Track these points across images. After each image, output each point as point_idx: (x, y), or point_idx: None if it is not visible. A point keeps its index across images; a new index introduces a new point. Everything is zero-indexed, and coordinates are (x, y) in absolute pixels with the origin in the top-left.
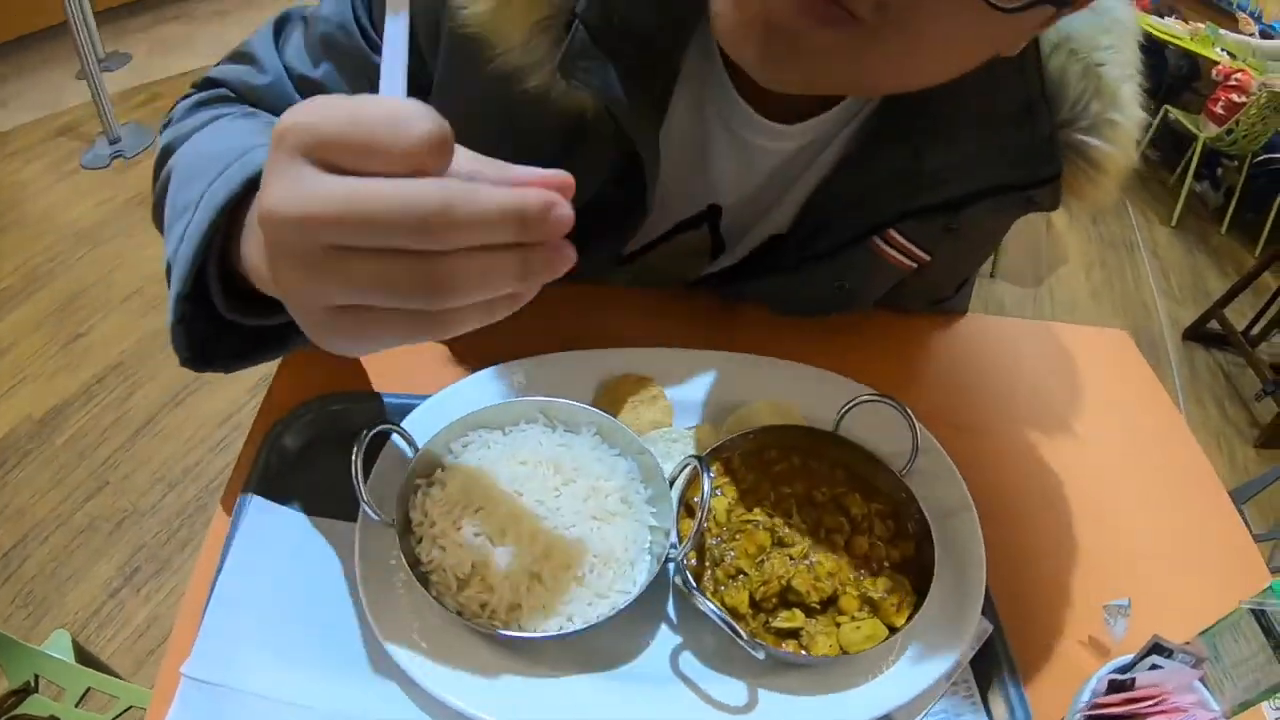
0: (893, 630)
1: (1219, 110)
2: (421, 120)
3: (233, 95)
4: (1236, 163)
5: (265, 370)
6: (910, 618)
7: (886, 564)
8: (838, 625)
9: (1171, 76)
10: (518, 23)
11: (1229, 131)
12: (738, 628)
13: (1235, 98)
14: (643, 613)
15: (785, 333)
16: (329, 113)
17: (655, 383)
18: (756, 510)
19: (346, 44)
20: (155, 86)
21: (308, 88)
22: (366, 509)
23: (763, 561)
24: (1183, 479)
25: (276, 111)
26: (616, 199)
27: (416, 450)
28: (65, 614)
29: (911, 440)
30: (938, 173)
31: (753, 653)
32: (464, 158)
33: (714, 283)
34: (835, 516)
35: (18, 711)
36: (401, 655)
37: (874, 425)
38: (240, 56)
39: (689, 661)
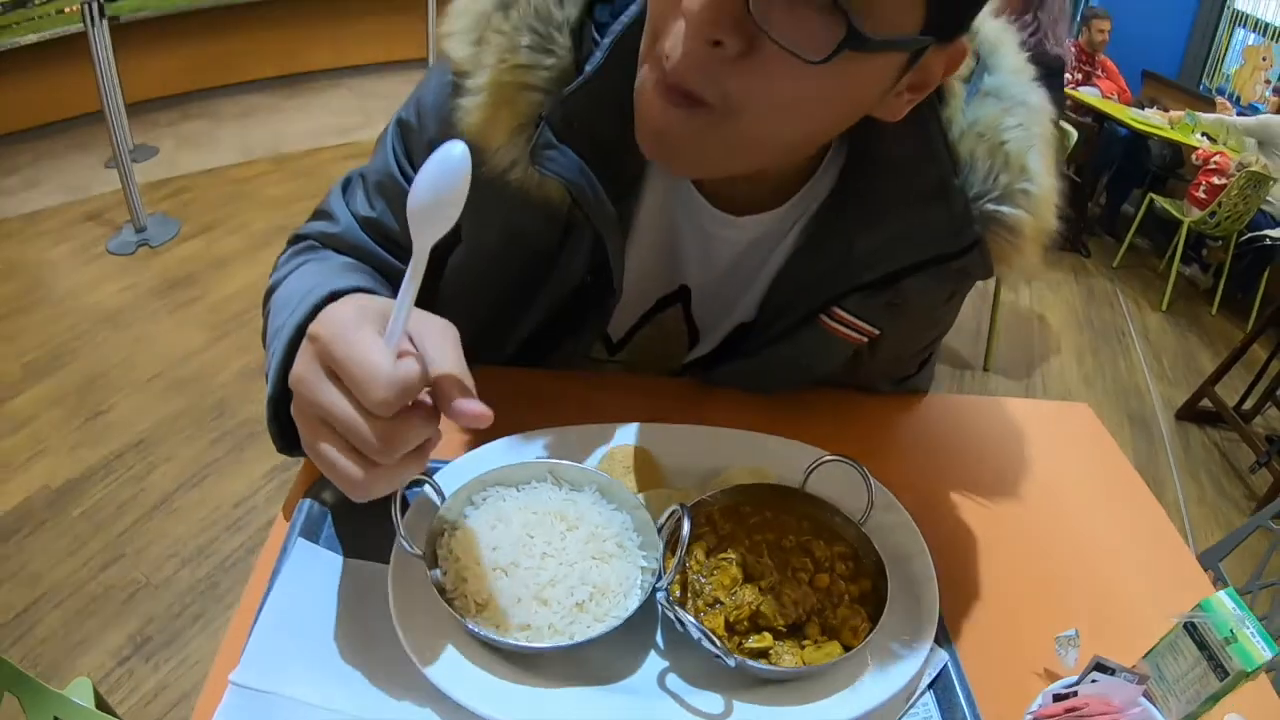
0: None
1: (1200, 195)
2: (381, 389)
3: (317, 244)
4: (1222, 242)
5: (280, 460)
6: (865, 639)
7: (846, 596)
8: (802, 647)
9: (1156, 166)
10: (501, 128)
11: (1212, 214)
12: (712, 636)
13: (1215, 180)
14: (634, 636)
15: (759, 409)
16: (338, 344)
17: (649, 451)
18: (731, 552)
19: (393, 187)
20: (181, 180)
21: (370, 226)
22: (402, 542)
23: (735, 592)
24: (1137, 525)
25: (352, 249)
26: (596, 285)
27: (444, 499)
28: (74, 678)
29: (867, 495)
30: (871, 254)
31: (726, 660)
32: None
33: (694, 369)
34: (801, 558)
35: None
36: (428, 667)
37: (836, 484)
38: (319, 214)
39: (673, 678)
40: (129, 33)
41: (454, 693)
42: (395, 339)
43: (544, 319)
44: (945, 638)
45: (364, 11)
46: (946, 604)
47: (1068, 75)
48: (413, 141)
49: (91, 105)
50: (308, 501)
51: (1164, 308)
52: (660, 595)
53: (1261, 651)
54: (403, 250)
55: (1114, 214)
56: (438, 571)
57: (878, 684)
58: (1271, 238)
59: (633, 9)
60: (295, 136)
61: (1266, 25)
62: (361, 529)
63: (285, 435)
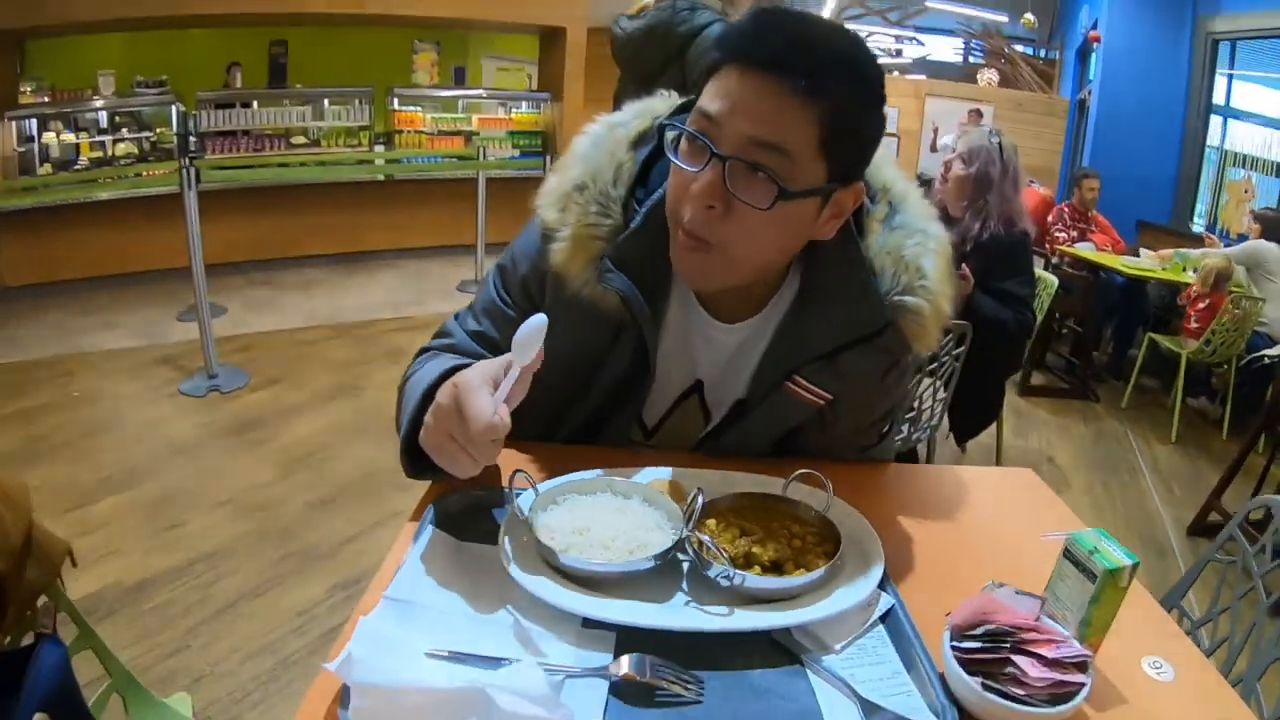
0: None
1: (1193, 325)
2: (483, 429)
3: (439, 351)
4: (1226, 367)
5: (342, 578)
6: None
7: (813, 550)
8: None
9: (1155, 308)
10: (578, 262)
11: (1208, 342)
12: (719, 548)
13: (1201, 304)
14: (666, 574)
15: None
16: (465, 393)
17: (679, 482)
18: (734, 524)
19: (495, 310)
20: (249, 337)
21: (478, 337)
22: (513, 506)
23: (736, 543)
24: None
25: (465, 353)
26: (636, 373)
27: (538, 493)
28: None
29: (828, 495)
30: (819, 338)
31: (730, 576)
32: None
33: (706, 442)
34: (782, 529)
35: None
36: (526, 581)
37: (806, 495)
38: (438, 335)
39: (692, 598)
40: (204, 200)
41: (545, 596)
42: (499, 401)
43: (597, 403)
44: (891, 589)
45: (420, 200)
46: (892, 568)
47: (1063, 234)
48: (508, 278)
49: (166, 262)
50: (432, 508)
51: (1173, 440)
52: (686, 532)
53: (1119, 557)
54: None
55: (1120, 359)
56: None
57: (834, 605)
58: (1270, 356)
59: (657, 193)
60: (354, 309)
61: (1245, 157)
62: (470, 525)
63: (414, 464)
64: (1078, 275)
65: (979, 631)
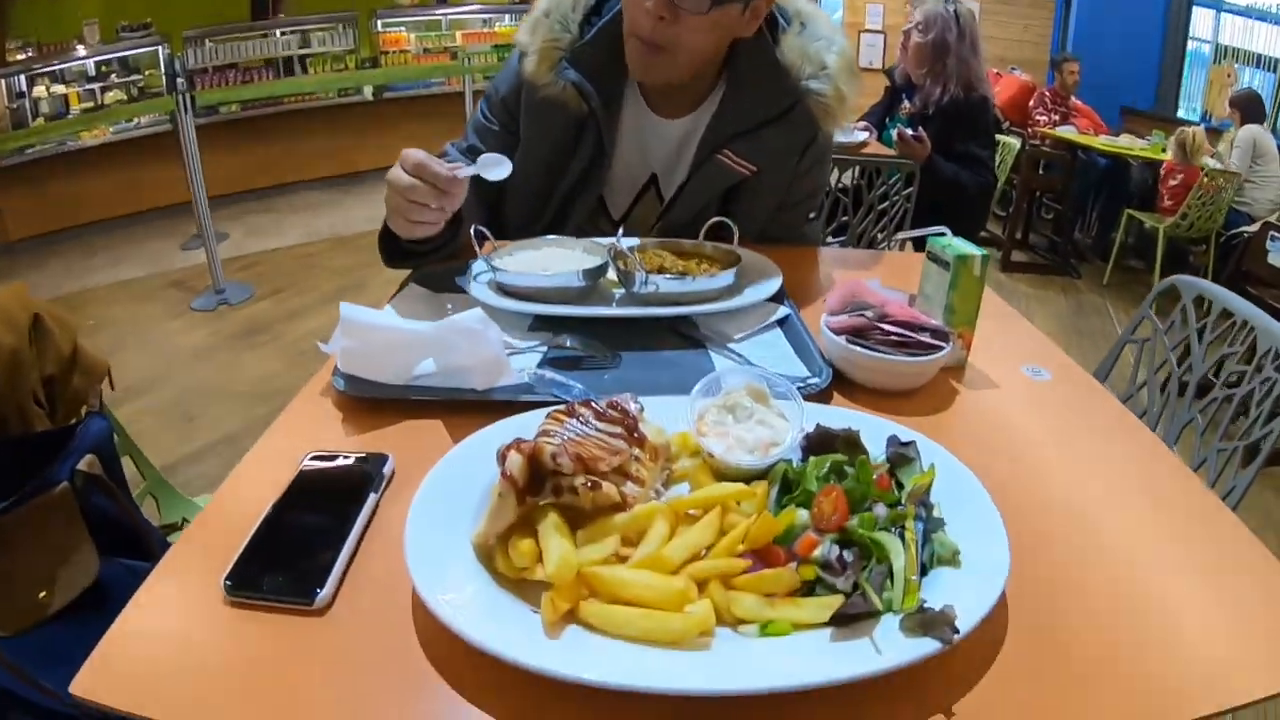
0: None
1: (1167, 203)
2: (420, 155)
3: None
4: (1205, 246)
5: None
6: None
7: (715, 268)
8: None
9: (1137, 188)
10: (544, 70)
11: (1184, 216)
12: (634, 256)
13: (1172, 180)
14: (598, 295)
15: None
16: (419, 156)
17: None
18: (656, 258)
19: (481, 127)
20: (251, 258)
21: (469, 151)
22: (476, 250)
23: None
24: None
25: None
26: (596, 162)
27: (496, 247)
28: None
29: (734, 235)
30: (742, 117)
31: (644, 280)
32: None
33: (662, 223)
34: (694, 258)
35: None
36: (485, 296)
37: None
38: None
39: (619, 305)
40: (200, 137)
41: (502, 305)
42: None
43: (565, 190)
44: (789, 303)
45: (410, 118)
46: (796, 297)
47: (1043, 117)
48: (491, 102)
49: (166, 199)
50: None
51: (1154, 314)
52: (612, 252)
53: (971, 249)
54: None
55: (1103, 240)
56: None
57: (737, 301)
58: (1249, 232)
59: (607, 16)
60: (353, 222)
61: (1227, 48)
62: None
63: (389, 253)
64: (1056, 154)
65: (850, 306)
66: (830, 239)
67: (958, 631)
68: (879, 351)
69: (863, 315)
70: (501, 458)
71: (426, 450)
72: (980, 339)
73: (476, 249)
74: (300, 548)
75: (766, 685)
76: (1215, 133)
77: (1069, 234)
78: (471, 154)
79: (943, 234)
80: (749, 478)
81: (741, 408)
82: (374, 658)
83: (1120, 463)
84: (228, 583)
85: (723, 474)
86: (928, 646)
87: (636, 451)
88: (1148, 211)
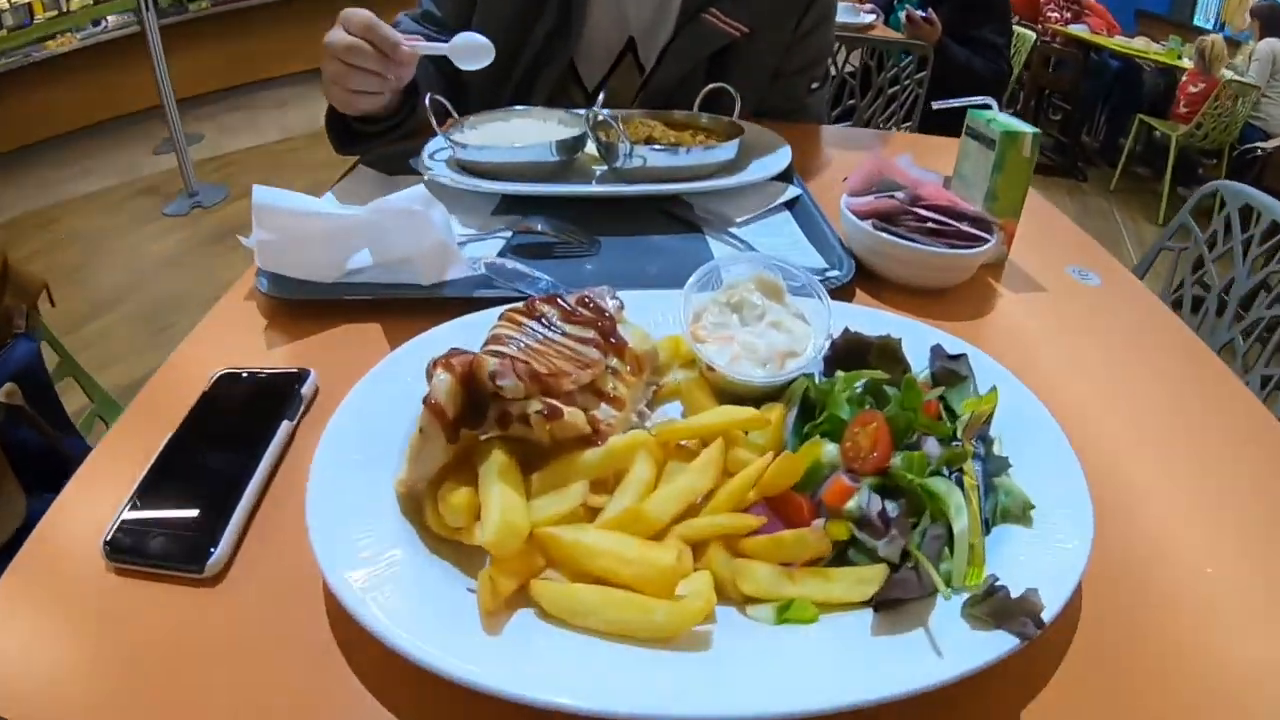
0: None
1: (1183, 110)
2: (387, 35)
3: None
4: (1216, 160)
5: None
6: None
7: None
8: None
9: (1149, 93)
10: None
11: (1198, 126)
12: (617, 124)
13: (1192, 88)
14: (576, 172)
15: None
16: (365, 17)
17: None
18: (643, 130)
19: None
20: (224, 158)
21: (425, 17)
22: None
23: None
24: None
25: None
26: (562, 23)
27: (461, 122)
28: None
29: (736, 104)
30: None
31: (629, 152)
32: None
33: (644, 94)
34: (688, 130)
35: None
36: (444, 175)
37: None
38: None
39: (600, 183)
40: (169, 37)
41: (463, 184)
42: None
43: (530, 56)
44: (799, 181)
45: (384, 4)
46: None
47: (1055, 13)
48: None
49: (136, 104)
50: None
51: (1160, 222)
52: (592, 123)
53: (1020, 125)
54: (439, 29)
55: (1111, 145)
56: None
57: (740, 178)
58: (1263, 148)
59: None
60: None
61: None
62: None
63: (339, 137)
64: (1067, 52)
65: (875, 186)
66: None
67: (1042, 625)
68: (914, 240)
69: (891, 197)
70: (429, 378)
71: (360, 363)
72: (1017, 235)
73: (434, 124)
74: (194, 498)
75: (784, 710)
76: (1233, 44)
77: (1076, 136)
78: (427, 21)
79: (987, 106)
80: (760, 398)
81: (749, 306)
82: (274, 637)
83: (1192, 398)
84: (106, 545)
85: (726, 392)
86: (1001, 645)
87: (614, 362)
88: (1159, 118)
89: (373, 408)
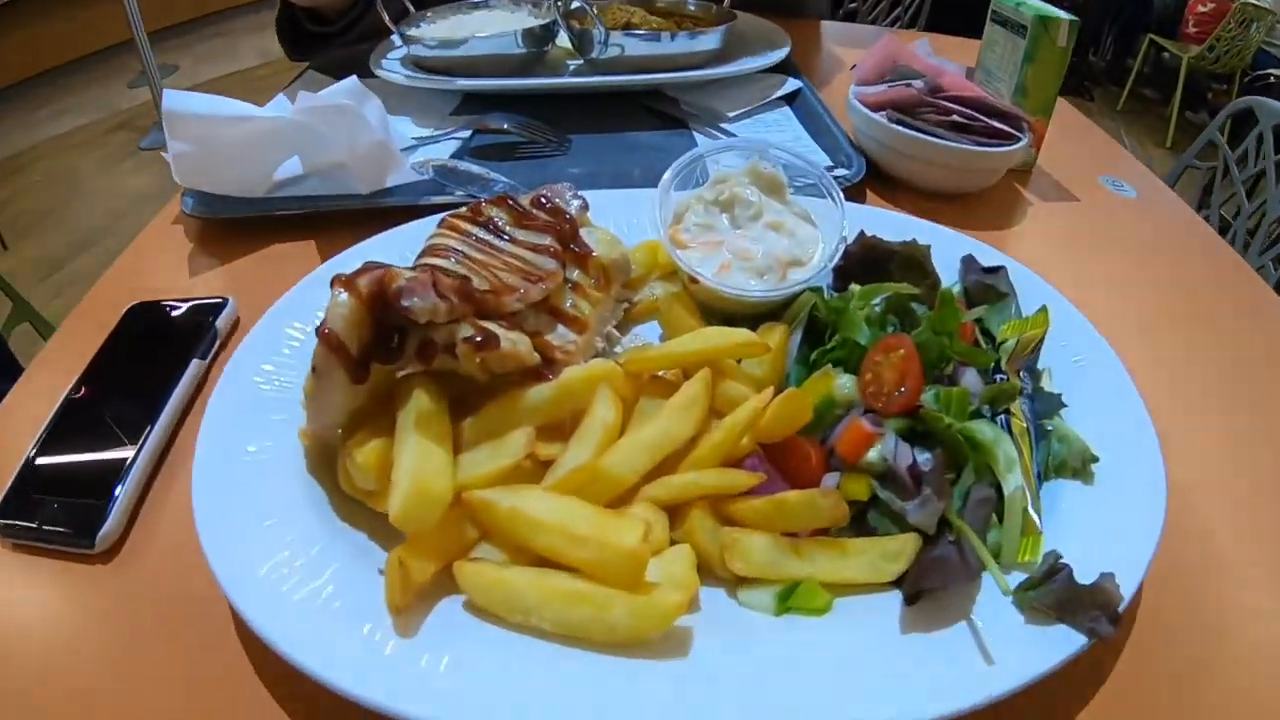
0: None
1: (1192, 30)
2: None
3: None
4: (1226, 86)
5: None
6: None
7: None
8: None
9: (1159, 14)
10: None
11: (1210, 49)
12: (591, 10)
13: (1202, 7)
14: (547, 67)
15: None
16: None
17: None
18: (622, 19)
19: None
20: (202, 87)
21: None
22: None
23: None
24: None
25: None
26: None
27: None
28: None
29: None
30: None
31: (604, 40)
32: None
33: None
34: (674, 18)
35: None
36: (397, 76)
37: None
38: None
39: (573, 75)
40: None
41: (418, 81)
42: None
43: None
44: (798, 73)
45: None
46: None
47: None
48: None
49: (109, 39)
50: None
51: (1168, 145)
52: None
53: (1049, 10)
54: None
55: (1119, 66)
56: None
57: (731, 68)
58: (1276, 75)
59: None
60: None
61: None
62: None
63: (291, 42)
64: None
65: (889, 75)
66: None
67: (1117, 621)
68: (937, 136)
69: (908, 86)
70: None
71: (292, 285)
72: (1046, 138)
73: (385, 18)
74: (88, 463)
75: None
76: None
77: (1084, 54)
78: None
79: None
80: (755, 317)
81: (742, 203)
82: (168, 618)
83: (1248, 333)
84: None
85: (714, 310)
86: (1065, 646)
87: (574, 274)
88: (1168, 39)
89: (282, 343)
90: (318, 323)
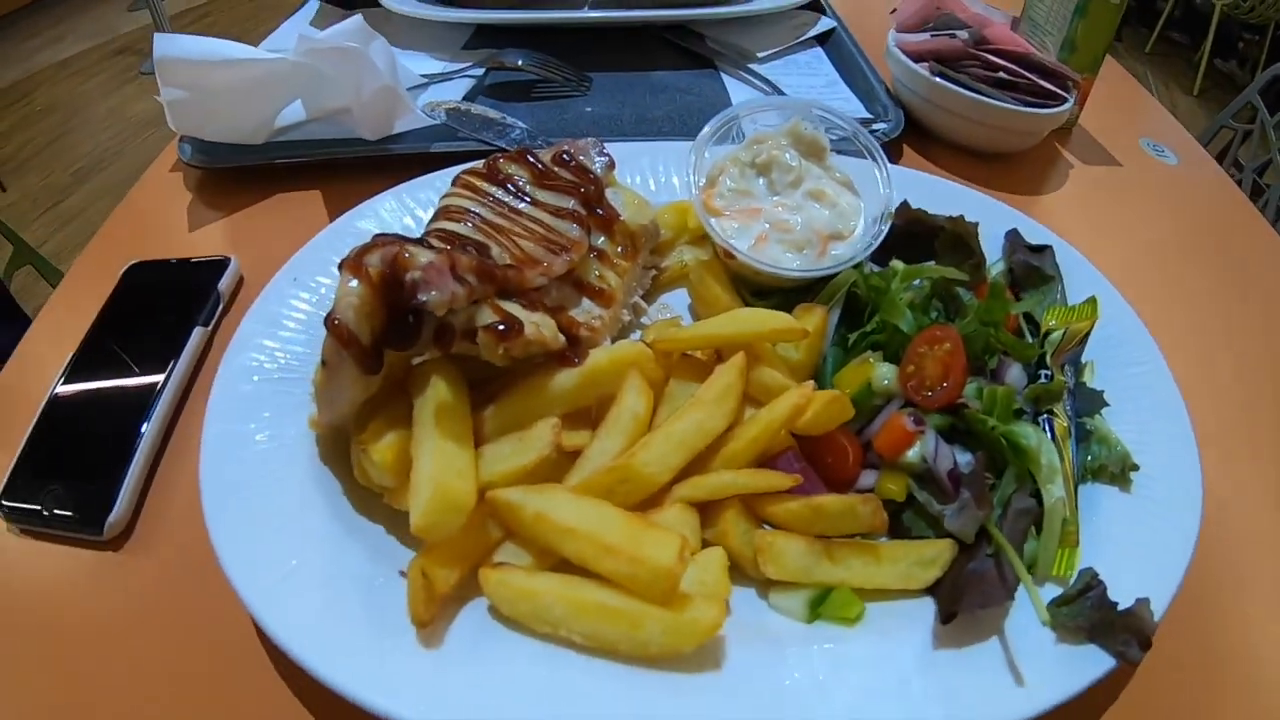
0: None
1: None
2: None
3: None
4: (1259, 37)
5: None
6: None
7: None
8: None
9: None
10: None
11: None
12: None
13: None
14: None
15: None
16: None
17: None
18: None
19: None
20: (203, 8)
21: None
22: None
23: None
24: None
25: None
26: None
27: None
28: None
29: None
30: None
31: None
32: None
33: None
34: None
35: None
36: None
37: None
38: None
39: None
40: None
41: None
42: None
43: None
44: (833, 12)
45: None
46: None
47: None
48: None
49: None
50: None
51: (1195, 92)
52: None
53: None
54: None
55: (1150, 4)
56: None
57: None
58: None
59: None
60: None
61: None
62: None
63: None
64: None
65: (932, 23)
66: None
67: (1148, 647)
68: (981, 93)
69: (952, 35)
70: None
71: (295, 240)
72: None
73: None
74: (91, 444)
75: None
76: None
77: None
78: None
79: None
80: (792, 290)
81: (781, 167)
82: (180, 608)
83: None
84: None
85: (747, 281)
86: (1094, 668)
87: (600, 241)
88: None
89: (287, 315)
90: (322, 298)
